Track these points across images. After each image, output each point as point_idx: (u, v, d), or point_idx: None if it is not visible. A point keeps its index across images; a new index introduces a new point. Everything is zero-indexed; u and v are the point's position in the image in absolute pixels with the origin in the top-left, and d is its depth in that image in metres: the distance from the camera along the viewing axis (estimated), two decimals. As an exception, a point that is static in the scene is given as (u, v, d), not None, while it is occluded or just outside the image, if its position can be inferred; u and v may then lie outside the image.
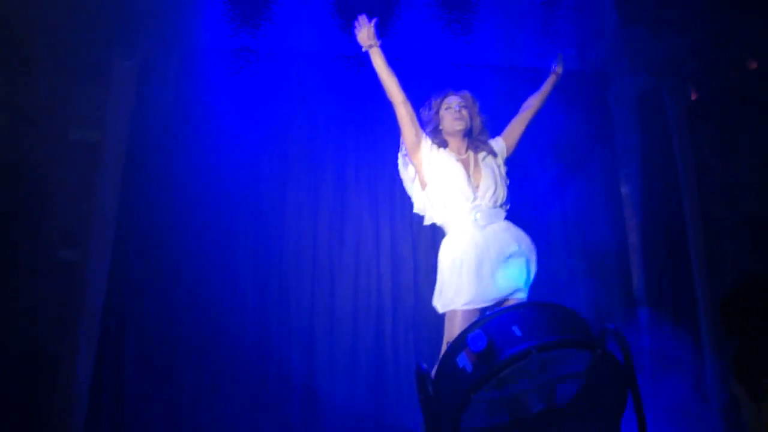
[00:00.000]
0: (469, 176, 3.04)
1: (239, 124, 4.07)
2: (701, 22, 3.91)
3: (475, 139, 3.19)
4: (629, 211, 4.53)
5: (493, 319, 2.10)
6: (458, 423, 2.00)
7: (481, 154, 3.16)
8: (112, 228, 3.68)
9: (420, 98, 3.99)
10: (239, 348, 3.82)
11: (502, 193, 3.10)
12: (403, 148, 3.17)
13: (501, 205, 3.09)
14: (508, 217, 3.13)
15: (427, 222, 3.18)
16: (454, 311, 2.87)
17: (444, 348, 2.67)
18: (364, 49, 3.08)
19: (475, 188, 3.03)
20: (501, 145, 3.27)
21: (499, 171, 3.16)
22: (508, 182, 3.20)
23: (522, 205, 4.29)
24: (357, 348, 3.93)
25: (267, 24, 3.80)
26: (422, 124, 3.16)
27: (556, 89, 4.21)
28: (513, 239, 3.00)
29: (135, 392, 3.59)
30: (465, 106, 3.17)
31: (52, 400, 3.52)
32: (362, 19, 3.05)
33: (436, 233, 3.58)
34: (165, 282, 3.77)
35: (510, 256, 2.96)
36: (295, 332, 3.92)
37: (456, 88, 3.32)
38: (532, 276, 3.07)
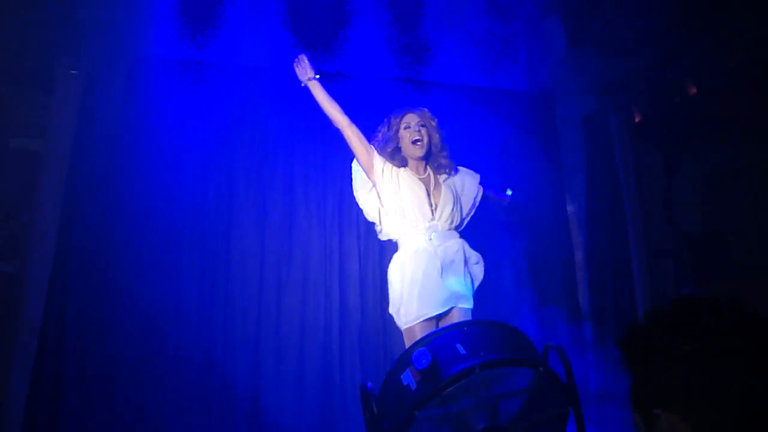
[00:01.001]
0: (429, 196, 3.07)
1: (186, 136, 4.00)
2: (645, 46, 4.04)
3: (435, 156, 3.18)
4: (575, 229, 4.63)
5: (437, 337, 2.10)
6: (402, 441, 1.99)
7: (442, 175, 3.18)
8: (52, 240, 3.55)
9: (374, 116, 4.03)
10: (183, 364, 3.73)
11: (458, 215, 3.13)
12: (358, 165, 3.18)
13: (456, 226, 3.13)
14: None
15: (382, 237, 3.19)
16: (412, 328, 2.90)
17: None
18: (303, 84, 3.16)
19: (433, 209, 3.06)
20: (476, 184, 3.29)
21: (460, 191, 3.19)
22: (471, 203, 3.25)
23: (470, 220, 4.36)
24: (304, 364, 3.90)
25: (216, 36, 3.78)
26: (383, 142, 3.14)
27: (503, 109, 4.31)
28: (464, 259, 3.06)
29: (73, 411, 3.46)
30: (423, 125, 3.15)
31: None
32: (300, 56, 3.15)
33: (384, 249, 3.59)
34: (107, 296, 3.66)
35: (459, 274, 3.02)
36: (240, 347, 3.86)
37: (409, 106, 3.33)
38: (475, 286, 3.12)
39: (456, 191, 3.17)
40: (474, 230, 4.34)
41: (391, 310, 3.03)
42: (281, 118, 4.20)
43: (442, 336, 2.11)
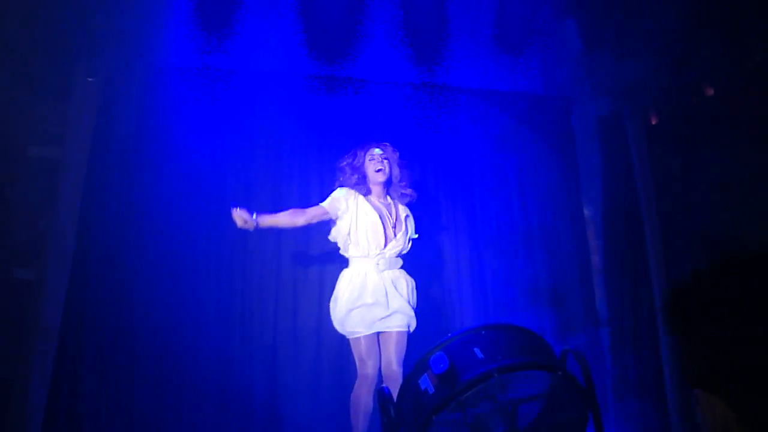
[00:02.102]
0: (384, 226, 3.43)
1: (202, 143, 4.03)
2: (661, 48, 4.00)
3: (395, 186, 3.57)
4: (591, 233, 4.59)
5: (455, 341, 2.08)
6: (420, 446, 1.98)
7: (403, 210, 3.56)
8: (70, 247, 3.58)
9: (388, 120, 4.06)
10: (201, 366, 3.76)
11: (407, 248, 3.51)
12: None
13: (401, 256, 3.48)
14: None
15: (342, 252, 3.49)
16: (357, 338, 3.28)
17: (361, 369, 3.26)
18: (252, 229, 3.34)
19: (388, 239, 3.42)
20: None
21: (411, 228, 3.57)
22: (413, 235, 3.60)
23: (487, 224, 4.36)
24: (320, 362, 3.93)
25: (231, 43, 3.80)
26: (350, 170, 3.51)
27: (519, 112, 4.31)
28: (405, 284, 3.43)
29: (92, 418, 3.49)
30: (386, 158, 3.52)
31: (4, 425, 3.39)
32: (232, 211, 3.32)
33: None
34: (124, 301, 3.70)
35: (402, 297, 3.37)
36: (257, 349, 3.89)
37: (426, 110, 3.50)
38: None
39: (409, 229, 3.55)
40: (489, 234, 4.35)
41: (333, 319, 3.39)
42: (296, 124, 4.22)
43: (459, 340, 2.09)
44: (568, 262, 4.49)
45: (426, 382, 2.02)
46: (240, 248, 3.99)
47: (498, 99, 4.50)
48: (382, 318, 3.29)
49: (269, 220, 3.37)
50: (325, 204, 3.44)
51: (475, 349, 2.04)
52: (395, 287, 3.37)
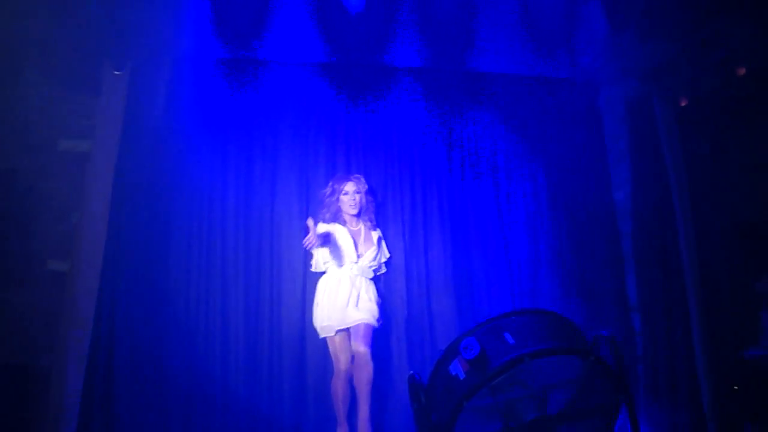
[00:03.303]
0: (356, 245, 3.86)
1: (230, 134, 4.07)
2: (690, 29, 3.93)
3: (364, 214, 3.97)
4: (621, 218, 4.54)
5: (485, 327, 2.08)
6: (451, 430, 1.98)
7: (372, 232, 3.98)
8: (102, 238, 3.63)
9: (421, 106, 4.01)
10: (231, 354, 3.82)
11: (376, 261, 3.96)
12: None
13: (372, 268, 3.91)
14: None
15: (313, 269, 3.89)
16: (331, 337, 3.68)
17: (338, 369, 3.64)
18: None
19: (360, 255, 3.85)
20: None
21: (383, 248, 4.05)
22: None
23: (515, 211, 4.34)
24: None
25: (258, 35, 3.79)
26: (327, 207, 3.89)
27: (545, 97, 4.29)
28: (372, 292, 3.85)
29: (126, 403, 3.56)
30: (358, 192, 3.92)
31: (42, 411, 3.48)
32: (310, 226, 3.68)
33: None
34: (156, 291, 3.76)
35: (366, 302, 3.79)
36: (286, 340, 3.92)
37: (447, 95, 3.93)
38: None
39: (379, 243, 4.00)
40: (517, 220, 4.32)
41: (315, 323, 3.76)
42: (324, 115, 4.23)
43: (490, 325, 2.08)
44: (597, 247, 4.44)
45: (457, 368, 2.02)
46: (267, 239, 4.02)
47: (524, 84, 4.45)
48: (350, 317, 3.69)
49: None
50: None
51: (506, 335, 2.03)
52: (364, 291, 3.80)
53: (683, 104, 4.46)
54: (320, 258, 3.89)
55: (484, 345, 1.98)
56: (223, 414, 3.74)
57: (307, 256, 4.01)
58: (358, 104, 4.25)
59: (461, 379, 1.99)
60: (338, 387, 3.62)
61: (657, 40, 4.03)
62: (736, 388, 4.14)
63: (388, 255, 4.09)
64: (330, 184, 3.95)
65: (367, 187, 4.00)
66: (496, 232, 4.30)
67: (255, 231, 4.01)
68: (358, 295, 3.77)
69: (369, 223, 4.01)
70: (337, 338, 3.70)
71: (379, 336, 3.88)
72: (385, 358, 3.93)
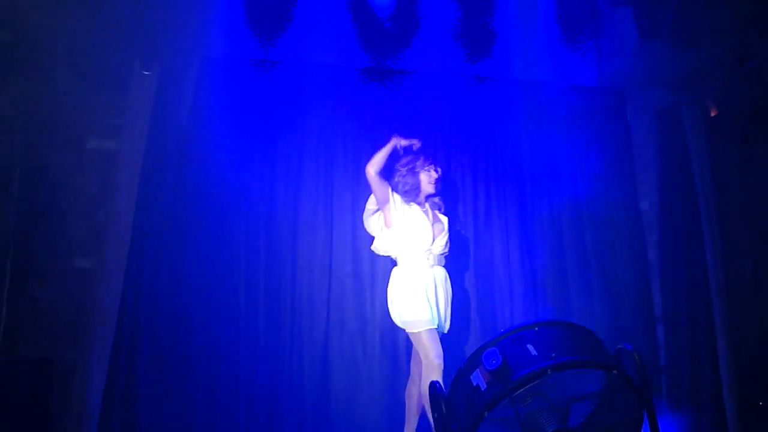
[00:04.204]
0: (431, 226, 3.62)
1: (257, 135, 4.09)
2: (720, 37, 3.88)
3: (432, 198, 3.76)
4: (648, 228, 4.49)
5: (507, 337, 2.07)
6: (472, 441, 1.97)
7: (441, 216, 3.76)
8: (127, 236, 3.67)
9: (439, 112, 4.03)
10: (254, 352, 3.85)
11: (447, 246, 3.69)
12: (373, 201, 3.66)
13: (443, 254, 3.67)
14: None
15: (382, 254, 3.72)
16: (418, 332, 3.41)
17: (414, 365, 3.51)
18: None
19: (433, 237, 3.61)
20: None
21: (447, 228, 3.75)
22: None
23: (539, 220, 4.31)
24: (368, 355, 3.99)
25: (287, 36, 3.78)
26: (404, 178, 3.66)
27: (573, 105, 4.25)
28: (448, 286, 3.64)
29: (149, 400, 3.60)
30: (437, 172, 3.72)
31: (66, 406, 3.52)
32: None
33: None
34: (179, 290, 3.79)
35: (445, 296, 3.60)
36: (308, 337, 3.95)
37: (480, 103, 3.94)
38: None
39: (446, 227, 3.73)
40: (542, 229, 4.29)
41: (397, 318, 3.52)
42: (349, 116, 4.24)
43: (512, 336, 2.08)
44: (622, 257, 4.40)
45: (478, 378, 2.01)
46: (291, 237, 4.03)
47: (552, 91, 4.42)
48: (436, 312, 3.48)
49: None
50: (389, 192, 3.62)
51: (529, 346, 2.02)
52: (443, 285, 3.60)
53: (712, 114, 4.39)
54: (387, 240, 3.65)
55: (507, 356, 1.97)
56: (247, 412, 3.76)
57: (332, 255, 4.01)
58: (385, 108, 4.25)
59: (482, 389, 1.99)
60: (424, 387, 3.16)
61: (687, 48, 3.98)
62: (762, 403, 4.07)
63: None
64: (409, 158, 3.71)
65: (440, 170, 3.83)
66: (520, 239, 4.27)
67: (278, 230, 4.03)
68: (435, 286, 3.55)
69: (441, 205, 3.81)
70: (427, 333, 3.42)
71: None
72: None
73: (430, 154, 3.78)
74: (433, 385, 2.09)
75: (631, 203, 4.55)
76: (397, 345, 3.99)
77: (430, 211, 3.72)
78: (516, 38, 3.82)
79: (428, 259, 3.58)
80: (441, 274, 3.62)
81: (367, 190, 3.74)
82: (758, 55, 3.97)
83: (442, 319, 3.55)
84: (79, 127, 3.93)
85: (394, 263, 3.66)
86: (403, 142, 3.62)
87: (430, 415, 3.05)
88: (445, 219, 3.77)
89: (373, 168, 3.53)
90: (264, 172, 4.09)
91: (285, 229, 4.04)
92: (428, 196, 3.74)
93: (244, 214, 3.99)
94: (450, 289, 3.65)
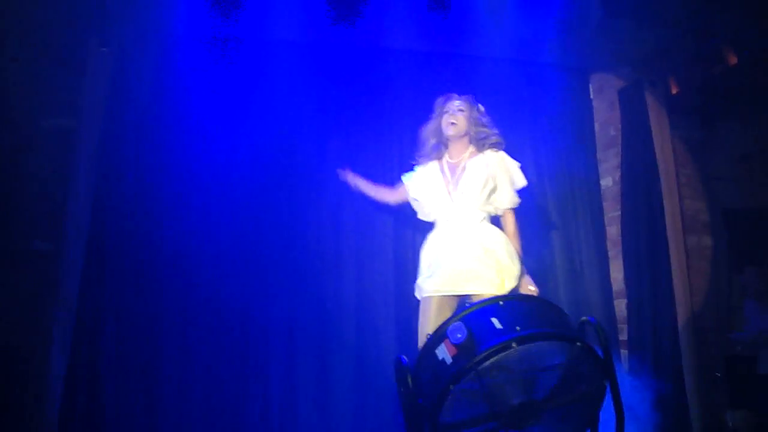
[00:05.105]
0: (448, 182, 3.34)
1: (217, 114, 3.99)
2: (683, 16, 3.92)
3: (475, 138, 3.39)
4: (609, 204, 4.56)
5: (473, 312, 2.09)
6: (438, 414, 1.99)
7: (478, 158, 3.34)
8: (87, 218, 3.58)
9: (405, 89, 4.00)
10: (219, 336, 3.76)
11: (482, 198, 3.27)
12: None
13: (485, 208, 3.29)
14: None
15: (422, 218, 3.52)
16: (425, 299, 3.20)
17: (420, 334, 3.13)
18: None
19: (454, 192, 3.30)
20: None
21: (490, 178, 3.30)
22: (510, 189, 3.37)
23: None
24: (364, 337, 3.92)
25: (248, 11, 3.71)
26: (429, 131, 3.49)
27: (536, 82, 4.24)
28: (484, 241, 3.18)
29: (111, 385, 3.50)
30: (461, 110, 3.37)
31: (26, 392, 3.45)
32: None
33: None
34: (143, 272, 3.70)
35: (474, 256, 3.14)
36: (274, 324, 3.87)
37: (436, 79, 3.72)
38: (505, 280, 3.13)
39: (488, 175, 3.29)
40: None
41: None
42: (314, 95, 4.17)
43: (478, 310, 2.09)
44: (584, 233, 4.46)
45: (443, 352, 2.03)
46: (254, 217, 3.96)
47: (514, 69, 4.43)
48: (451, 278, 3.13)
49: (360, 183, 3.72)
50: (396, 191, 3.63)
51: (493, 320, 2.04)
52: (471, 244, 3.16)
53: (674, 92, 4.45)
54: (417, 206, 3.49)
55: (472, 329, 1.99)
56: (214, 400, 3.68)
57: (295, 235, 3.97)
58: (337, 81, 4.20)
59: (448, 363, 2.00)
60: None
61: (650, 27, 4.02)
62: (718, 375, 4.19)
63: (521, 184, 3.40)
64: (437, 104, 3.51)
65: (481, 109, 3.46)
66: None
67: (243, 210, 3.93)
68: (457, 249, 3.14)
69: (484, 149, 3.36)
70: (433, 304, 3.13)
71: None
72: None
73: (450, 95, 3.50)
74: (398, 359, 2.09)
75: (594, 179, 4.61)
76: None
77: (466, 159, 3.35)
78: (479, 14, 3.81)
79: (451, 219, 3.25)
80: (472, 233, 3.18)
81: (337, 164, 3.81)
82: (718, 35, 4.03)
83: (465, 284, 3.11)
84: (33, 105, 3.80)
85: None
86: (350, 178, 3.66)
87: None
88: (495, 166, 3.32)
89: (378, 195, 3.63)
90: (227, 151, 3.99)
91: (249, 207, 3.95)
92: (468, 139, 3.40)
93: (207, 194, 3.88)
94: (485, 247, 3.16)
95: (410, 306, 3.57)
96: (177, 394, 3.63)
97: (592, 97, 4.77)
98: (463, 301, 3.19)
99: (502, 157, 3.38)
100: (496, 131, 3.42)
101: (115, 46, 3.80)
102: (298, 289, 3.91)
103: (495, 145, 3.39)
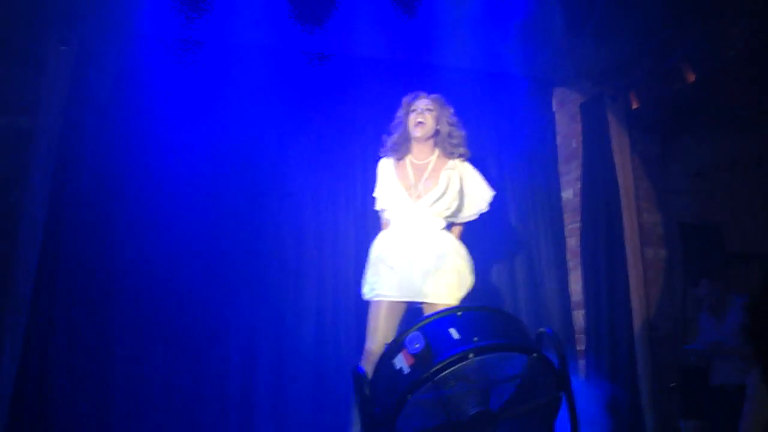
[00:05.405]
0: (411, 186, 3.21)
1: (179, 117, 3.93)
2: (644, 33, 4.00)
3: (442, 142, 3.29)
4: (569, 216, 4.63)
5: (431, 322, 2.09)
6: (394, 424, 1.98)
7: (446, 166, 3.25)
8: (42, 219, 3.49)
9: (366, 97, 4.01)
10: (176, 346, 3.70)
11: (447, 205, 3.20)
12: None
13: (446, 216, 3.23)
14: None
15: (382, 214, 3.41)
16: (376, 302, 3.11)
17: (369, 336, 3.06)
18: None
19: (418, 196, 3.18)
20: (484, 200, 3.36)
21: (460, 186, 3.26)
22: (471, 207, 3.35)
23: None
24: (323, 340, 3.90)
25: (214, 15, 3.68)
26: (395, 128, 3.36)
27: (499, 94, 4.27)
28: (444, 250, 3.13)
29: (63, 390, 3.43)
30: (430, 110, 3.26)
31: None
32: None
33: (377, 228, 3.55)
34: (97, 276, 3.63)
35: (435, 266, 3.08)
36: (234, 333, 3.82)
37: (401, 87, 3.56)
38: (462, 289, 3.16)
39: (454, 184, 3.23)
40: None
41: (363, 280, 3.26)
42: (277, 99, 4.15)
43: (436, 320, 2.09)
44: (544, 244, 4.52)
45: (401, 362, 2.02)
46: (212, 222, 3.90)
47: (478, 80, 4.47)
48: (400, 284, 3.07)
49: None
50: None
51: (451, 330, 2.04)
52: (427, 252, 3.10)
53: (634, 107, 4.55)
54: (379, 200, 3.33)
55: (429, 339, 1.99)
56: (167, 411, 3.61)
57: (257, 240, 3.93)
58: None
59: (405, 373, 2.00)
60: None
61: (612, 42, 4.09)
62: (673, 384, 4.27)
63: (486, 196, 3.34)
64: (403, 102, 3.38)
65: (451, 110, 3.35)
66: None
67: (201, 216, 3.86)
68: (412, 254, 3.06)
69: (450, 153, 3.26)
70: (385, 307, 3.06)
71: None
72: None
73: (419, 93, 3.41)
74: (356, 368, 2.08)
75: (555, 191, 4.68)
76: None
77: (433, 162, 3.25)
78: (445, 26, 3.84)
79: (410, 222, 3.16)
80: (429, 239, 3.12)
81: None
82: (677, 53, 4.13)
83: (412, 293, 3.07)
84: (-11, 103, 3.72)
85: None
86: None
87: None
88: (466, 178, 3.27)
89: None
90: (186, 155, 3.93)
91: (208, 212, 3.89)
92: (435, 141, 3.29)
93: (165, 195, 3.80)
94: (441, 260, 3.11)
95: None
96: (130, 402, 3.57)
97: (554, 110, 4.85)
98: (412, 306, 3.17)
99: (469, 168, 3.35)
100: (464, 133, 3.35)
101: (76, 45, 3.72)
102: (258, 295, 3.88)
103: (462, 156, 3.34)
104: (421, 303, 3.13)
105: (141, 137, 3.81)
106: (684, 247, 4.59)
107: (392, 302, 3.10)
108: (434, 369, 1.94)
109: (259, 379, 3.80)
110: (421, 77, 4.30)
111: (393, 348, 2.08)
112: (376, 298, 3.14)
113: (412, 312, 3.19)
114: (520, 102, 4.58)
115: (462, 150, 3.32)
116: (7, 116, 3.76)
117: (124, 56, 3.89)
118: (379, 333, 3.01)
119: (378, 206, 3.43)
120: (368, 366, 2.83)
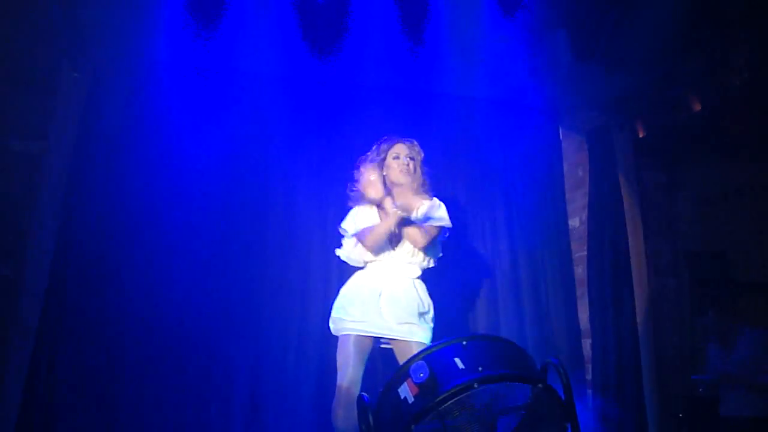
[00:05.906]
0: (393, 231, 3.14)
1: (190, 143, 3.96)
2: (651, 62, 4.03)
3: (418, 189, 3.24)
4: (576, 244, 4.62)
5: (435, 351, 2.08)
6: (398, 455, 1.97)
7: (418, 210, 3.15)
8: (51, 244, 3.51)
9: (373, 124, 4.04)
10: (183, 368, 3.69)
11: (421, 253, 3.21)
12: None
13: (417, 263, 3.24)
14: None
15: (351, 263, 3.36)
16: (345, 336, 3.09)
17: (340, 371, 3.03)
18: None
19: (395, 243, 3.19)
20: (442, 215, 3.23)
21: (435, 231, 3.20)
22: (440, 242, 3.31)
23: (472, 235, 4.34)
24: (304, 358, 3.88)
25: (225, 43, 3.72)
26: (371, 167, 3.28)
27: (507, 122, 4.29)
28: (420, 297, 3.17)
29: (67, 418, 3.41)
30: (412, 158, 3.25)
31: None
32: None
33: None
34: (105, 302, 3.62)
35: (398, 307, 3.10)
36: (241, 356, 3.82)
37: (409, 115, 3.41)
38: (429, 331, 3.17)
39: (433, 227, 3.19)
40: (474, 243, 4.34)
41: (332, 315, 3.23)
42: (290, 127, 4.18)
43: (440, 350, 2.08)
44: (551, 273, 4.50)
45: (405, 391, 2.01)
46: (224, 248, 3.92)
47: (485, 109, 4.50)
48: (371, 321, 3.09)
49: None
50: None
51: (456, 359, 2.03)
52: (396, 293, 3.14)
53: (641, 136, 4.57)
54: (352, 245, 3.24)
55: (434, 369, 1.98)
56: (175, 428, 3.61)
57: (267, 263, 3.93)
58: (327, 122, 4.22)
59: (410, 402, 1.98)
60: (337, 413, 2.92)
61: (619, 71, 4.13)
62: (680, 415, 4.23)
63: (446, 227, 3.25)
64: (373, 148, 3.32)
65: (423, 155, 3.32)
66: (453, 253, 4.30)
67: (213, 243, 3.89)
68: (381, 294, 3.09)
69: (426, 197, 3.19)
70: (352, 341, 3.03)
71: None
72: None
73: (397, 138, 3.34)
74: (361, 397, 2.07)
75: (562, 219, 4.67)
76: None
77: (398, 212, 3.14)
78: (452, 56, 3.87)
79: (386, 266, 3.18)
80: (400, 283, 3.15)
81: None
82: (683, 82, 4.15)
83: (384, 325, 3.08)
84: (2, 128, 3.76)
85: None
86: None
87: None
88: (435, 214, 3.15)
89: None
90: (198, 180, 3.96)
91: (219, 240, 3.91)
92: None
93: (176, 223, 3.83)
94: (405, 298, 3.14)
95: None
96: (133, 421, 3.54)
97: (561, 138, 4.86)
98: (377, 340, 3.18)
99: (441, 206, 3.24)
100: (430, 195, 3.29)
101: (88, 72, 3.78)
102: (263, 326, 3.87)
103: (428, 192, 3.29)
104: (389, 340, 3.15)
105: (152, 164, 3.84)
106: (691, 276, 4.57)
107: (359, 336, 3.10)
108: (439, 399, 1.93)
109: (267, 410, 3.78)
110: (428, 105, 4.34)
111: (398, 377, 2.07)
112: (344, 332, 3.14)
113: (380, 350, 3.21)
114: (527, 130, 4.61)
115: (429, 194, 3.30)
116: (20, 141, 3.81)
117: (136, 83, 3.93)
118: (350, 368, 3.01)
119: (345, 255, 3.36)
120: (341, 401, 2.90)
